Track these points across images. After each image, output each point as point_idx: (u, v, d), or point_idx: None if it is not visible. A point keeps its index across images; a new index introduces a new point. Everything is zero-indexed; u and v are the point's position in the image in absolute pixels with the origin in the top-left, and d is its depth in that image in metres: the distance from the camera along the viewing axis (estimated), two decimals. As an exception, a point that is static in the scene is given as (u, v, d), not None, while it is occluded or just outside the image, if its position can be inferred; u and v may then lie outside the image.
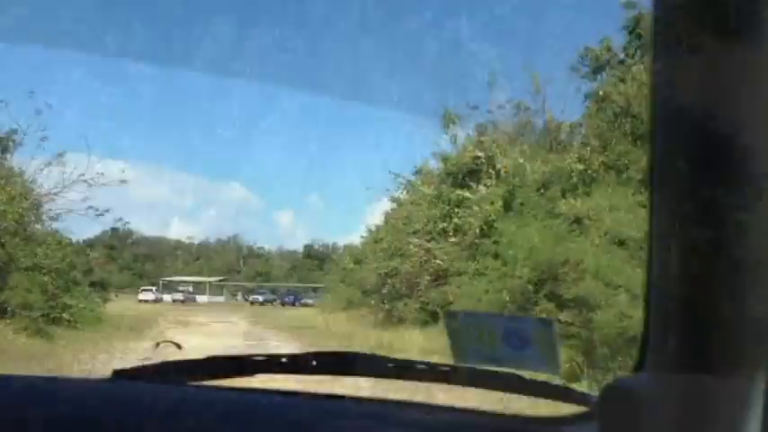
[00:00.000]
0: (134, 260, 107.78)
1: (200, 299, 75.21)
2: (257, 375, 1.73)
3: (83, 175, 25.89)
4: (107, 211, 26.43)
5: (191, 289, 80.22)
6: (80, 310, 25.87)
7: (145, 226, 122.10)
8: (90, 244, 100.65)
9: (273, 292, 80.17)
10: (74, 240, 35.64)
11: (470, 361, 1.47)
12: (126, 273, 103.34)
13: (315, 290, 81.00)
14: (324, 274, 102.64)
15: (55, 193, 26.69)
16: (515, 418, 1.61)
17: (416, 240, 27.11)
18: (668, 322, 0.95)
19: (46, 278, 23.65)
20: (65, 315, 24.23)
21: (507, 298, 16.72)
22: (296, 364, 1.75)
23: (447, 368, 1.63)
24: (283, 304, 71.58)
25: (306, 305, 68.15)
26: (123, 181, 27.38)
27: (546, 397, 1.64)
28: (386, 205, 38.66)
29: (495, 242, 21.40)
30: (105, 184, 26.26)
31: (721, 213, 0.89)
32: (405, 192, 32.26)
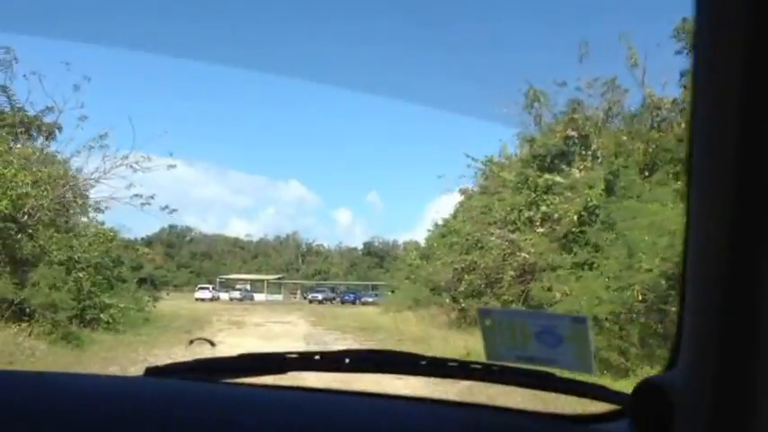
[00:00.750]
0: (192, 258, 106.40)
1: (258, 297, 72.84)
2: (290, 373, 1.69)
3: (126, 157, 22.89)
4: (152, 197, 23.21)
5: (248, 287, 77.85)
6: (122, 310, 22.83)
7: (204, 225, 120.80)
8: (149, 242, 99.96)
9: (333, 290, 77.42)
10: (132, 238, 33.36)
11: (503, 359, 1.42)
12: (184, 271, 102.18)
13: (374, 288, 78.91)
14: (384, 272, 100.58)
15: (95, 179, 23.78)
16: (548, 415, 1.60)
17: (498, 231, 23.46)
18: (702, 321, 0.92)
19: (81, 274, 20.65)
20: (102, 316, 21.19)
21: (639, 297, 13.02)
22: (329, 362, 1.72)
23: (479, 366, 1.58)
24: (343, 302, 68.91)
25: (366, 303, 65.65)
26: (172, 165, 24.26)
27: (579, 395, 1.56)
28: (453, 198, 35.44)
29: (600, 230, 17.73)
30: (151, 168, 23.22)
31: (759, 212, 0.85)
32: (483, 178, 28.69)
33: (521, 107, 25.12)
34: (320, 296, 70.64)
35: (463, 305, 25.97)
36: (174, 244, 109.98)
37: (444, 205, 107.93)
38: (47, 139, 26.38)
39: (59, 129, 25.78)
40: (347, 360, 1.65)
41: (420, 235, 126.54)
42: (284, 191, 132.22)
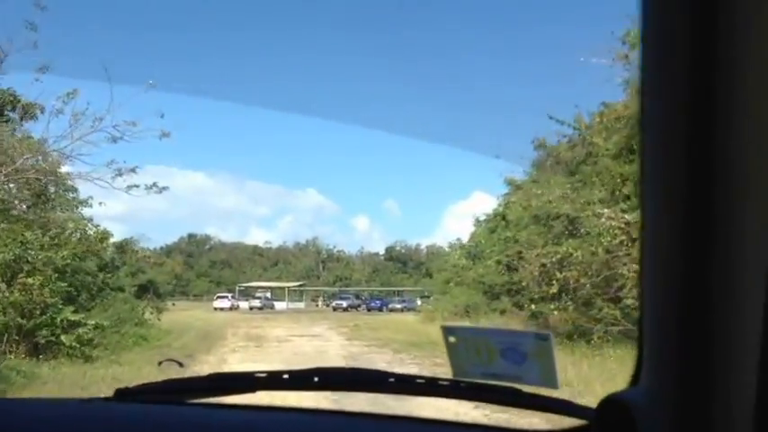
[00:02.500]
0: (211, 266, 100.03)
1: (279, 305, 66.27)
2: (259, 392, 1.63)
3: (100, 120, 16.09)
4: (134, 170, 16.36)
5: (268, 295, 71.07)
6: (98, 329, 15.95)
7: (224, 235, 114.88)
8: (168, 251, 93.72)
9: (357, 296, 70.44)
10: (152, 248, 27.17)
11: (469, 376, 1.37)
12: (203, 280, 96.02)
13: (398, 293, 72.63)
14: (407, 277, 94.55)
15: (65, 154, 16.98)
16: (516, 431, 1.70)
17: (607, 211, 16.42)
18: (663, 334, 0.89)
19: (32, 280, 13.86)
20: (64, 338, 14.32)
21: None
22: (299, 381, 1.65)
23: (447, 383, 1.53)
24: (369, 310, 62.53)
25: (394, 310, 59.24)
26: (165, 134, 17.45)
27: (545, 410, 1.48)
28: (476, 199, 28.90)
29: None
30: (138, 135, 16.44)
31: (716, 219, 0.81)
32: (569, 147, 21.81)
33: (613, 57, 18.17)
34: (345, 303, 63.78)
35: (555, 312, 18.82)
36: (193, 253, 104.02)
37: (473, 205, 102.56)
38: (21, 119, 19.96)
39: (41, 110, 19.36)
40: (316, 378, 1.59)
41: (440, 239, 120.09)
42: (302, 199, 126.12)
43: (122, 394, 1.65)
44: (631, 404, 0.97)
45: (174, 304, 28.74)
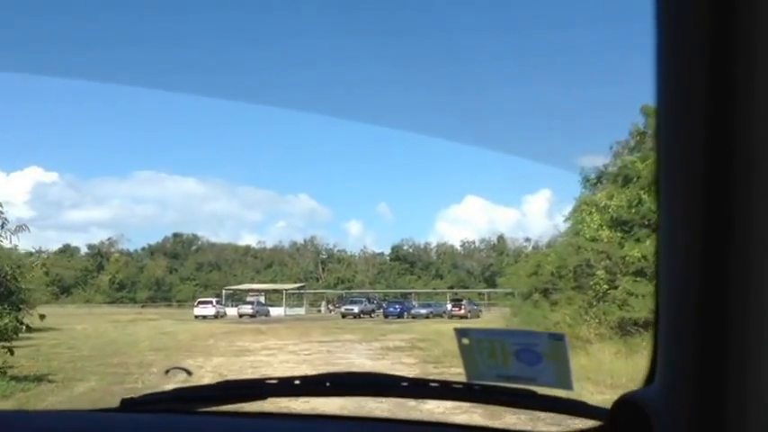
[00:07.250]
0: (198, 269, 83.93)
1: (275, 311, 51.01)
2: (270, 399, 1.51)
3: None
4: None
5: (262, 299, 55.42)
6: None
7: (215, 240, 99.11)
8: (151, 251, 76.93)
9: (369, 300, 54.75)
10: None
11: (484, 378, 1.30)
12: (188, 284, 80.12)
13: (404, 296, 62.08)
14: (416, 279, 79.09)
15: None
16: None
17: None
18: (678, 334, 0.85)
19: None
20: None
21: None
22: (310, 386, 1.53)
23: (461, 386, 1.42)
24: (386, 316, 48.03)
25: (417, 317, 45.05)
26: None
27: (560, 412, 1.41)
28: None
29: None
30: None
31: (733, 219, 0.77)
32: None
33: None
34: (356, 308, 48.49)
35: None
36: (179, 254, 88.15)
37: (466, 209, 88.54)
38: None
39: None
40: (328, 384, 1.49)
41: (450, 238, 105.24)
42: (294, 204, 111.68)
43: (129, 404, 1.54)
44: (645, 404, 0.93)
45: (43, 317, 13.27)
